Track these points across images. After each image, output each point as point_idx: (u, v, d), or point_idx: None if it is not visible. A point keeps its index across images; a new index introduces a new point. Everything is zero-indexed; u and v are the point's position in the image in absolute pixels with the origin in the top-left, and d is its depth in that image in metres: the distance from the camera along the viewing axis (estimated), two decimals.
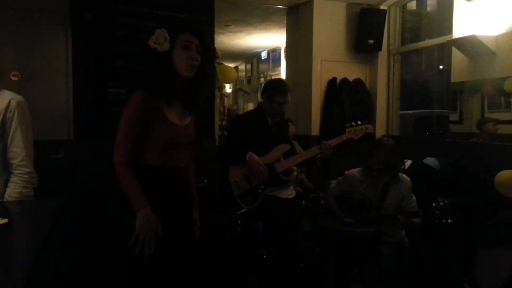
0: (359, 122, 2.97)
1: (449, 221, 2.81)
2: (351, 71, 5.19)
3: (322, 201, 3.64)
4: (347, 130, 2.95)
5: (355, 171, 3.20)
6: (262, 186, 2.89)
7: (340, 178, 3.29)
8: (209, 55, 1.95)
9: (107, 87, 3.67)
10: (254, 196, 2.88)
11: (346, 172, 3.25)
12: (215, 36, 4.49)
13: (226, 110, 8.38)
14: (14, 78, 3.87)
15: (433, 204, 2.87)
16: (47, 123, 3.76)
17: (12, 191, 2.03)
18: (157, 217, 1.81)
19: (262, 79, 11.12)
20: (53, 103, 3.94)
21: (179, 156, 1.93)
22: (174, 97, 1.89)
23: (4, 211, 1.85)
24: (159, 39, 1.82)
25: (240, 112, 9.94)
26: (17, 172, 2.05)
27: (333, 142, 2.91)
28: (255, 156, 2.83)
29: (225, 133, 5.87)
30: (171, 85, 1.86)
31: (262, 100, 3.08)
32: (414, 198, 3.09)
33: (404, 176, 3.13)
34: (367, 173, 3.12)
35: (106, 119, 3.54)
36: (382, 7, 5.15)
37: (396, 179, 3.07)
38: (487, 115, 3.94)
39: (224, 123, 7.46)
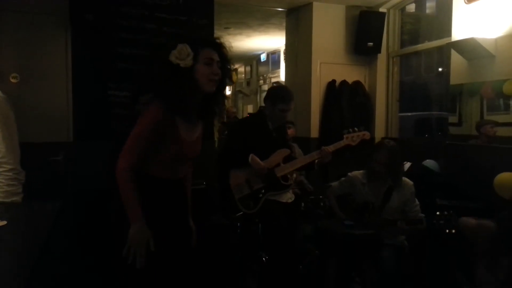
0: (356, 129, 2.99)
1: (453, 231, 2.73)
2: (350, 74, 5.20)
3: (322, 203, 3.64)
4: (344, 136, 2.98)
5: (358, 173, 3.19)
6: (263, 191, 2.89)
7: (343, 178, 3.28)
8: (227, 70, 1.93)
9: (107, 89, 3.67)
10: (255, 201, 2.88)
11: (349, 173, 3.24)
12: None
13: (225, 112, 8.38)
14: (13, 80, 3.87)
15: (437, 213, 2.78)
16: (47, 125, 3.76)
17: None
18: (157, 226, 1.80)
19: (261, 81, 11.14)
20: (52, 104, 3.94)
21: (183, 168, 1.96)
22: (192, 113, 1.89)
23: (4, 213, 1.85)
24: (182, 54, 1.78)
25: (239, 114, 9.95)
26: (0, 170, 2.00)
27: (331, 148, 2.94)
28: (257, 158, 2.84)
29: (223, 136, 5.86)
30: (191, 101, 1.85)
31: (263, 105, 3.09)
32: (417, 202, 3.07)
33: (408, 180, 3.10)
34: (370, 175, 3.11)
35: (105, 121, 3.54)
36: (381, 9, 5.16)
37: (400, 183, 3.05)
38: (486, 117, 3.94)
39: (227, 121, 7.45)
